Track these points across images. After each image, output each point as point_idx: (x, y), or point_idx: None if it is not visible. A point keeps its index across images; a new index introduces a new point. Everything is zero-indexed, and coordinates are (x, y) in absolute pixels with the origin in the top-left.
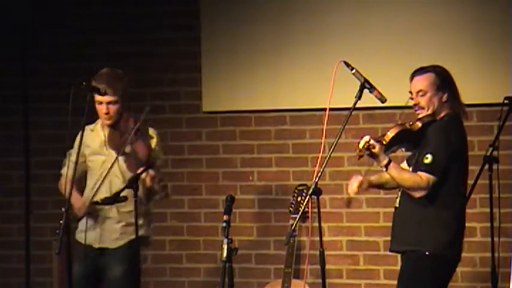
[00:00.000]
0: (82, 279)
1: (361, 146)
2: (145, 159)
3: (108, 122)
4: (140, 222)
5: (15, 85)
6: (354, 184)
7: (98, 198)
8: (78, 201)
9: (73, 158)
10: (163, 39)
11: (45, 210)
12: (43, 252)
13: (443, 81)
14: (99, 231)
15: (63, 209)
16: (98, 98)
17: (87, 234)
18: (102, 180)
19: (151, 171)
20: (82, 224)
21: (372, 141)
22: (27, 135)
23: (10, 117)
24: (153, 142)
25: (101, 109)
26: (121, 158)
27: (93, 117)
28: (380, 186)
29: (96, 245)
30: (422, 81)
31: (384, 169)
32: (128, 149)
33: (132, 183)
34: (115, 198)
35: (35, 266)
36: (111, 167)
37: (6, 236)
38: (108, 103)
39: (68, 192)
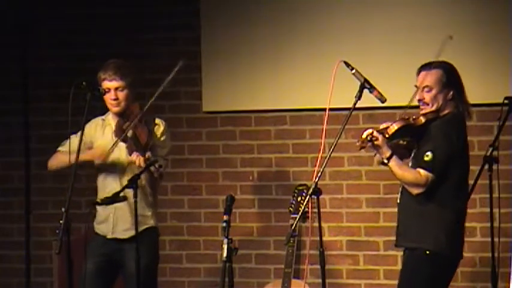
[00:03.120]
0: (96, 272)
1: (363, 136)
2: (145, 144)
3: (116, 109)
4: (149, 213)
5: (15, 85)
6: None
7: (99, 198)
8: (97, 150)
9: (77, 140)
10: (164, 39)
11: (45, 210)
12: (43, 252)
13: (450, 79)
14: (112, 222)
15: (63, 209)
16: (106, 84)
17: (101, 226)
18: (110, 171)
19: (147, 155)
20: (99, 216)
21: (375, 133)
22: (27, 135)
23: (10, 117)
24: (159, 130)
25: (109, 96)
26: (123, 144)
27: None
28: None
29: (109, 236)
30: (429, 77)
31: (386, 161)
32: (130, 133)
33: (132, 183)
34: (114, 199)
35: (35, 266)
36: (111, 151)
37: (6, 236)
38: (116, 89)
39: (74, 161)
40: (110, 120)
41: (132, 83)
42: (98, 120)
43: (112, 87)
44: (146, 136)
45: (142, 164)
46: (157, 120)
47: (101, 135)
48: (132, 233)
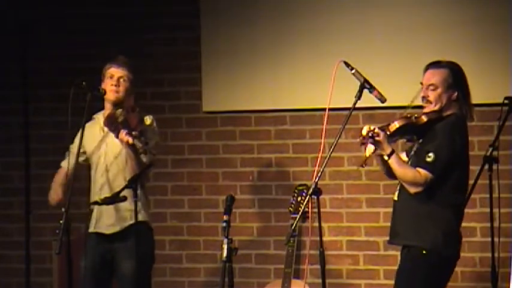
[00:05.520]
0: (92, 274)
1: (364, 133)
2: (134, 127)
3: (113, 96)
4: (137, 207)
5: (15, 85)
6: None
7: (98, 198)
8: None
9: (74, 150)
10: (163, 39)
11: (45, 210)
12: (43, 252)
13: (456, 80)
14: (95, 216)
15: (63, 209)
16: (111, 71)
17: (91, 222)
18: (98, 168)
19: (134, 132)
20: (93, 217)
21: (376, 129)
22: (27, 135)
23: (10, 117)
24: (148, 121)
25: (110, 82)
26: (110, 140)
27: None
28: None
29: (91, 229)
30: (435, 76)
31: (386, 158)
32: (120, 118)
33: (132, 183)
34: (115, 198)
35: (35, 266)
36: (102, 141)
37: (6, 236)
38: (120, 77)
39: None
40: (100, 118)
41: (134, 81)
42: (88, 123)
43: (116, 74)
44: (137, 121)
45: (130, 141)
46: (147, 117)
47: (90, 136)
48: (115, 228)
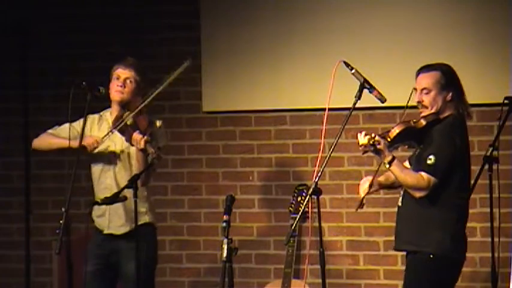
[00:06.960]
0: (95, 275)
1: (365, 141)
2: (144, 130)
3: (119, 96)
4: (144, 209)
5: (15, 85)
6: (364, 184)
7: (98, 198)
8: (89, 139)
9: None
10: (163, 39)
11: (45, 210)
12: (43, 252)
13: (449, 80)
14: (108, 217)
15: (63, 209)
16: (118, 72)
17: (99, 219)
18: (105, 167)
19: (146, 137)
20: (97, 210)
21: (377, 137)
22: (27, 135)
23: (10, 117)
24: (158, 123)
25: (116, 83)
26: (118, 139)
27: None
28: (389, 186)
29: (106, 231)
30: (428, 79)
31: (387, 165)
32: (129, 121)
33: (132, 183)
34: (114, 199)
35: (35, 266)
36: (104, 140)
37: (6, 236)
38: (126, 78)
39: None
40: (108, 116)
41: (141, 82)
42: (94, 115)
43: (123, 75)
44: (146, 123)
45: (142, 145)
46: (156, 120)
47: (96, 130)
48: (125, 229)
